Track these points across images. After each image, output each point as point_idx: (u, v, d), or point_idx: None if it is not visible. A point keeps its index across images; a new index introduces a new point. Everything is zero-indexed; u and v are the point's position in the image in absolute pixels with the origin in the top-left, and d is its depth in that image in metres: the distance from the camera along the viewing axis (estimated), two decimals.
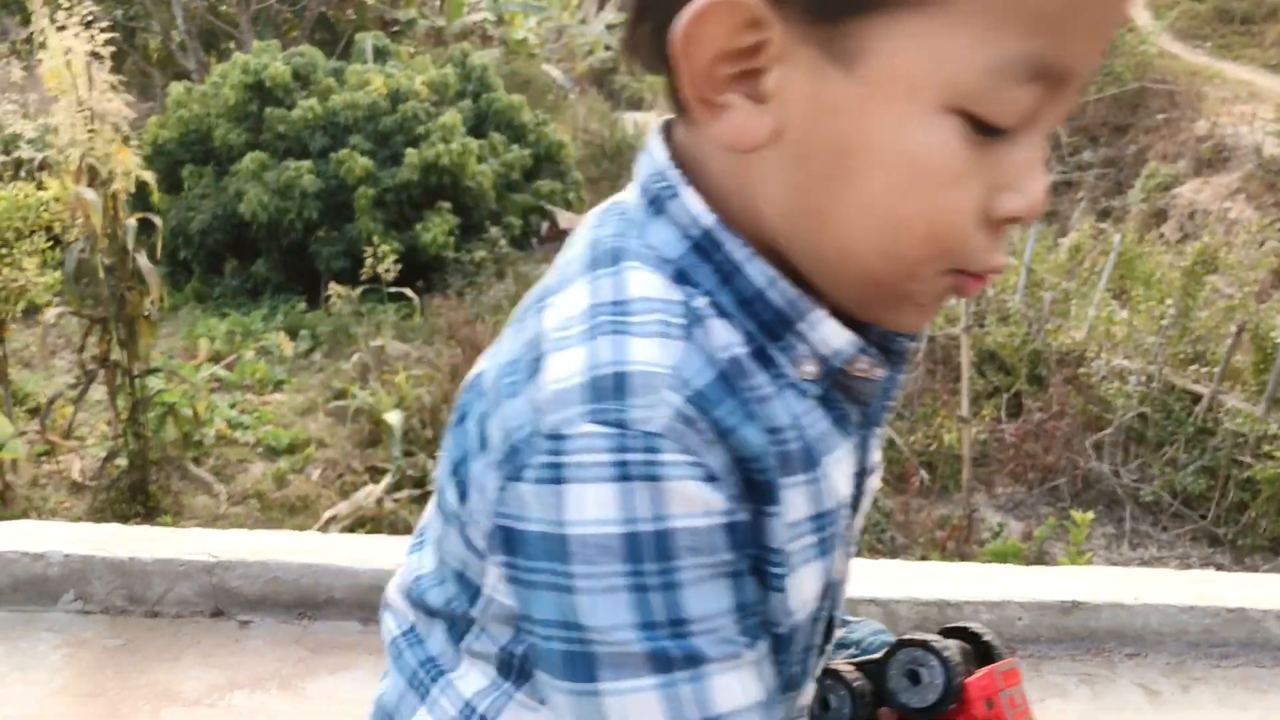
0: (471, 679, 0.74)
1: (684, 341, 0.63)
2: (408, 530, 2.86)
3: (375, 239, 11.10)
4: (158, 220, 7.02)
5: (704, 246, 0.66)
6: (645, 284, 0.65)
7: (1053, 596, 1.96)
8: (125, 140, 6.34)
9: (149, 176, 6.58)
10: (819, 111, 0.61)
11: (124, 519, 5.97)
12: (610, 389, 0.60)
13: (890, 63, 0.59)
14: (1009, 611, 1.94)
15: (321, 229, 11.80)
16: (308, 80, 12.74)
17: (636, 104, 18.42)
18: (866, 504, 0.78)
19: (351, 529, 6.53)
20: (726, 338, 0.65)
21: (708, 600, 0.62)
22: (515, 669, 0.72)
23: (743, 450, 0.63)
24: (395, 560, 2.26)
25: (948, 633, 0.89)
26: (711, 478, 0.61)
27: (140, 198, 7.79)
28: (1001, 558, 5.87)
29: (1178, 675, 1.94)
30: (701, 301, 0.65)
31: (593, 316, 0.64)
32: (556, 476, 0.60)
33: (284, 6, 17.70)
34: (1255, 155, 14.37)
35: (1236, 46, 19.32)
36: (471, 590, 0.72)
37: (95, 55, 5.98)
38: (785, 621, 0.69)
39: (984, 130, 0.60)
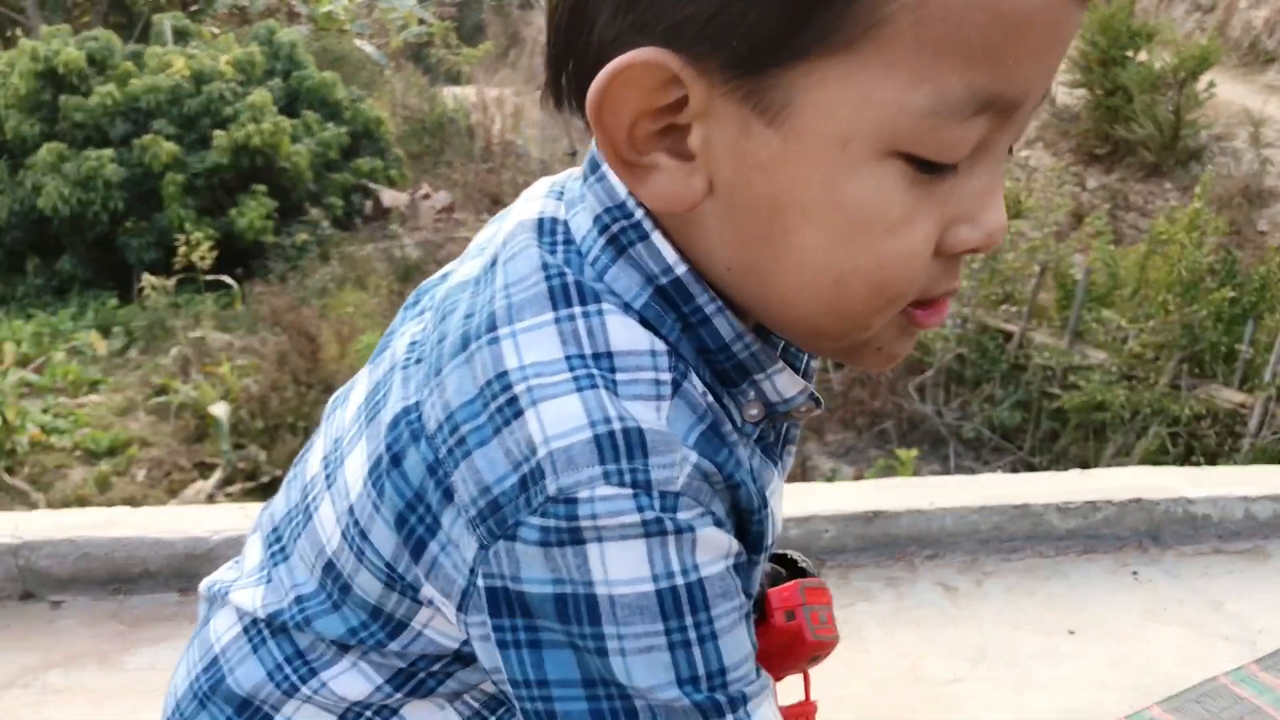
0: (351, 681, 0.72)
1: (674, 399, 0.60)
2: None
3: (188, 227, 10.73)
4: None
5: (670, 295, 0.62)
6: (627, 335, 0.61)
7: (856, 508, 2.06)
8: None
9: None
10: (748, 168, 0.57)
11: None
12: (624, 448, 0.57)
13: (818, 114, 0.55)
14: (816, 525, 2.03)
15: (129, 220, 11.34)
16: (104, 65, 12.17)
17: (455, 78, 18.19)
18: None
19: None
20: (700, 389, 0.62)
21: (740, 644, 0.61)
22: (414, 684, 0.71)
23: (743, 502, 0.63)
24: (209, 527, 2.22)
25: (770, 559, 0.92)
26: (719, 523, 0.60)
27: None
28: None
29: (972, 571, 2.07)
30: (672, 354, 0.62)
31: (576, 367, 0.59)
32: (575, 539, 0.57)
33: None
34: (1050, 105, 15.17)
35: None
36: (393, 625, 0.69)
37: None
38: None
39: (929, 169, 0.56)
